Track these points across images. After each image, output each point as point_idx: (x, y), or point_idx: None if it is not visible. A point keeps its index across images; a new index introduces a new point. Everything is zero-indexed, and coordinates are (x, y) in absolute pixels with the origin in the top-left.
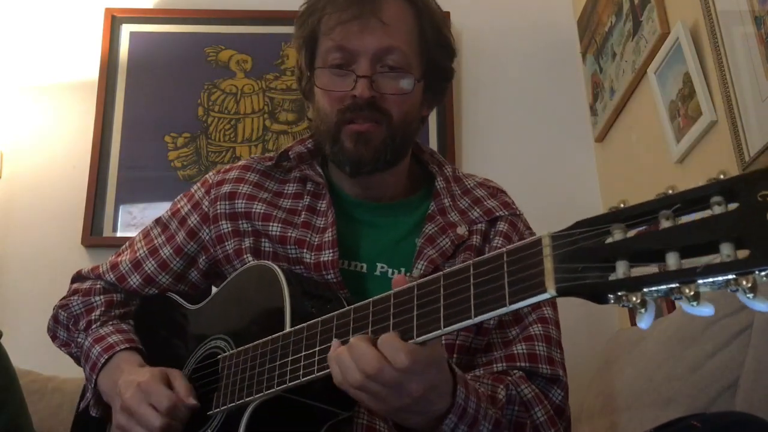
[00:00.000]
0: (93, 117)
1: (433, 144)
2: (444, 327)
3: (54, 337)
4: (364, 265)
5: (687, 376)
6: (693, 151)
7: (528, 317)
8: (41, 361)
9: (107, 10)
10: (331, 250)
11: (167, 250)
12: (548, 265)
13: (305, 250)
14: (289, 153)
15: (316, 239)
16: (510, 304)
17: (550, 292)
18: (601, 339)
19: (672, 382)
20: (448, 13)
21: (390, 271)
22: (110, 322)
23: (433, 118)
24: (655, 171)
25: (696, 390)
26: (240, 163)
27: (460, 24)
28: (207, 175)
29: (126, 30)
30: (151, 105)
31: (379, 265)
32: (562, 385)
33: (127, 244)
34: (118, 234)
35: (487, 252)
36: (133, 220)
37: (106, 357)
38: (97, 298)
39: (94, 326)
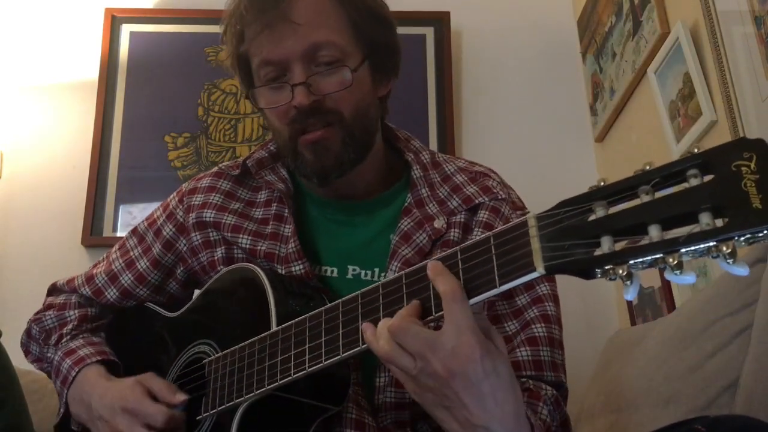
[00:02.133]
0: (93, 117)
1: (432, 144)
2: (435, 313)
3: (27, 353)
4: (335, 270)
5: (687, 376)
6: None
7: (528, 312)
8: None
9: (107, 10)
10: (299, 262)
11: (144, 263)
12: (535, 245)
13: (275, 264)
14: (247, 161)
15: (284, 250)
16: (500, 285)
17: (539, 270)
18: (601, 339)
19: (672, 382)
20: (447, 13)
21: (363, 273)
22: (80, 336)
23: (433, 119)
24: None
25: (696, 390)
26: (213, 170)
27: (460, 24)
28: (183, 185)
29: (126, 30)
30: (151, 105)
31: (350, 267)
32: (562, 390)
33: (104, 255)
34: (118, 234)
35: None
36: (133, 220)
37: (77, 370)
38: (71, 313)
39: (64, 340)
